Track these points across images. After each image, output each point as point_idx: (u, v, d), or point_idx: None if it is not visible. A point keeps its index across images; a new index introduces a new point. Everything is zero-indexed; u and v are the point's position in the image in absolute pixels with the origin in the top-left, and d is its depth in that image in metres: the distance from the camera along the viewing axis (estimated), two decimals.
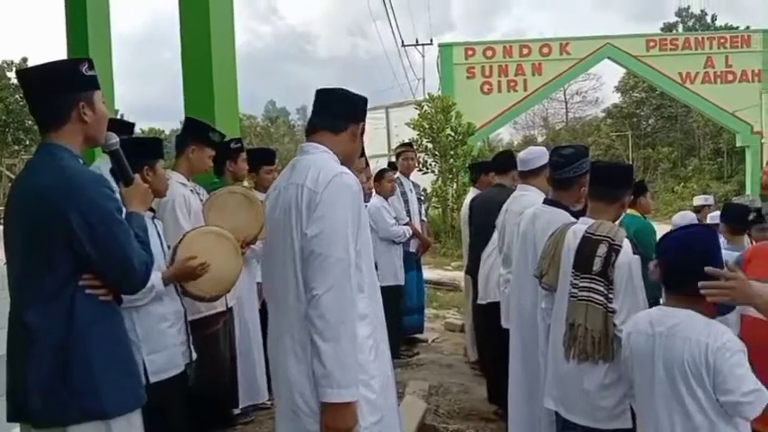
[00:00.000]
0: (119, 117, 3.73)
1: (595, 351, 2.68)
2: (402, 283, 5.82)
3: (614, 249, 2.68)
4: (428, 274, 11.85)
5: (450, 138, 15.40)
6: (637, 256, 2.70)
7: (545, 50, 22.20)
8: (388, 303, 5.62)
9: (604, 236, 2.72)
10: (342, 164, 2.29)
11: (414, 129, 15.42)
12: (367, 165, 5.16)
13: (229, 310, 3.84)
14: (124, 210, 2.22)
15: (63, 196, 1.98)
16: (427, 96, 16.51)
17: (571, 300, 2.78)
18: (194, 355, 3.10)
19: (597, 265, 2.69)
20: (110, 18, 6.57)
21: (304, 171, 2.19)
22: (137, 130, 4.84)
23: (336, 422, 2.06)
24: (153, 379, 2.80)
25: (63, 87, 2.08)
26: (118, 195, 2.22)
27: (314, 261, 2.07)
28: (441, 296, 9.57)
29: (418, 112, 15.61)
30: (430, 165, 15.63)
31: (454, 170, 15.56)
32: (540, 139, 44.52)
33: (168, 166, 3.52)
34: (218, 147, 3.94)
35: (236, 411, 4.17)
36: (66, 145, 2.08)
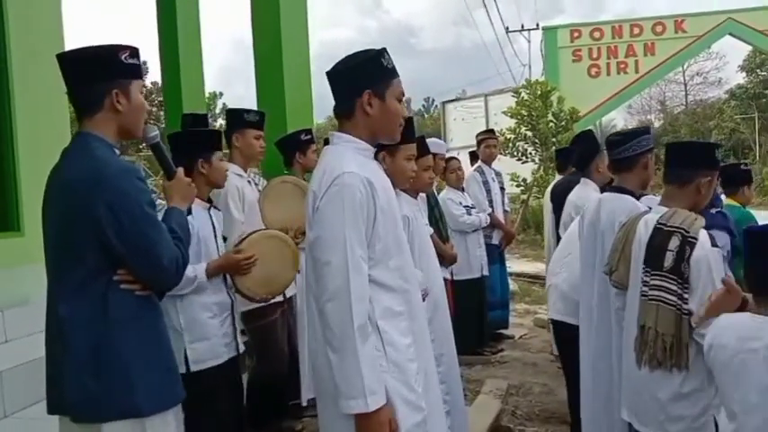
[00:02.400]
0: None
1: (667, 358, 2.40)
2: (479, 275, 5.58)
3: (688, 242, 2.36)
4: (526, 267, 11.50)
5: (552, 124, 14.74)
6: (716, 249, 2.37)
7: (658, 29, 20.81)
8: (467, 297, 5.44)
9: (677, 227, 2.40)
10: (377, 141, 2.17)
11: (511, 117, 14.87)
12: (437, 157, 4.94)
13: (288, 300, 3.80)
14: (162, 204, 2.19)
15: (90, 187, 1.93)
16: (524, 83, 15.85)
17: (642, 299, 2.50)
18: (241, 348, 3.07)
19: (669, 260, 2.40)
20: (199, 17, 6.77)
21: (317, 172, 2.10)
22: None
23: None
24: (194, 368, 2.82)
25: (99, 73, 2.03)
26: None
27: (314, 267, 2.00)
28: (536, 290, 9.17)
29: (516, 99, 15.03)
30: (530, 154, 15.04)
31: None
32: (656, 124, 42.15)
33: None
34: (276, 135, 3.90)
35: (305, 404, 4.14)
36: (99, 134, 2.03)
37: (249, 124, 3.81)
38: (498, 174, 6.27)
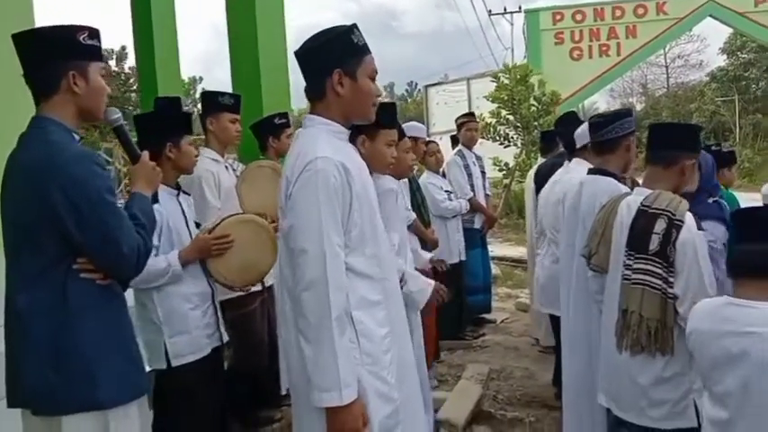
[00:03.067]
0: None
1: (651, 343, 2.34)
2: (457, 260, 5.49)
3: (675, 225, 2.31)
4: (508, 251, 11.47)
5: (534, 108, 14.67)
6: (702, 233, 2.32)
7: (640, 11, 20.81)
8: (447, 283, 5.40)
9: (663, 209, 2.34)
10: (350, 122, 2.08)
11: (492, 102, 14.77)
12: (419, 141, 4.90)
13: (268, 289, 3.71)
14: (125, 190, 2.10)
15: (44, 173, 1.87)
16: (503, 67, 15.71)
17: (624, 283, 2.44)
18: (225, 338, 2.99)
19: (654, 243, 2.34)
20: (174, 2, 6.60)
21: (291, 157, 2.02)
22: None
23: (336, 426, 1.88)
24: (175, 362, 2.75)
25: (55, 54, 1.95)
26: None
27: (290, 256, 1.93)
28: (518, 274, 9.15)
29: (495, 84, 14.91)
30: (512, 138, 14.98)
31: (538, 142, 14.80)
32: (638, 107, 42.30)
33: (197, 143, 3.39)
34: (238, 111, 3.79)
35: (284, 392, 4.07)
36: (56, 117, 1.96)
37: (224, 107, 3.69)
38: (479, 158, 6.19)
